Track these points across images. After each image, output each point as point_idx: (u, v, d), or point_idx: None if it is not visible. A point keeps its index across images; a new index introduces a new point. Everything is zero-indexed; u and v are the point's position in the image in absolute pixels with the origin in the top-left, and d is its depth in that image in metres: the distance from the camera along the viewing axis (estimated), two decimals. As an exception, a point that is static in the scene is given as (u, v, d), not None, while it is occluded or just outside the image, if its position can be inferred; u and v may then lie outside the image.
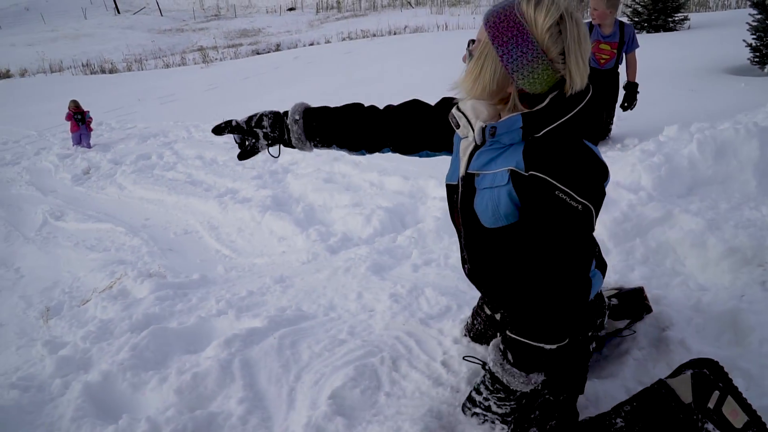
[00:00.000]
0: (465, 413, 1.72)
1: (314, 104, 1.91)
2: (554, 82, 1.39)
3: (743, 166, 3.13)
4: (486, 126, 1.47)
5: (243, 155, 1.90)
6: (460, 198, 1.62)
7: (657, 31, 12.25)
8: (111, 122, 10.09)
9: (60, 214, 5.83)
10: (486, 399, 1.64)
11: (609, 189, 3.00)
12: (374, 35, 21.17)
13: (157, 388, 2.20)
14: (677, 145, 3.44)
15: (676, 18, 12.44)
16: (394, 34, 20.91)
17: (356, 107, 1.87)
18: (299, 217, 4.75)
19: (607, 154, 4.48)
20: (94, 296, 3.62)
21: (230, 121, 1.87)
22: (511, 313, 1.54)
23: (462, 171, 1.60)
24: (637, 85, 4.73)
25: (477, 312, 2.10)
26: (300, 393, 2.07)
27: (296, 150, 1.90)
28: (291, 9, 35.60)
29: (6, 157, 8.47)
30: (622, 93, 4.81)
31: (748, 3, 8.70)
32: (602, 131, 4.89)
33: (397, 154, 1.93)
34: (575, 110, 1.41)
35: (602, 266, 1.76)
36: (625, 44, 4.60)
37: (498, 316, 1.85)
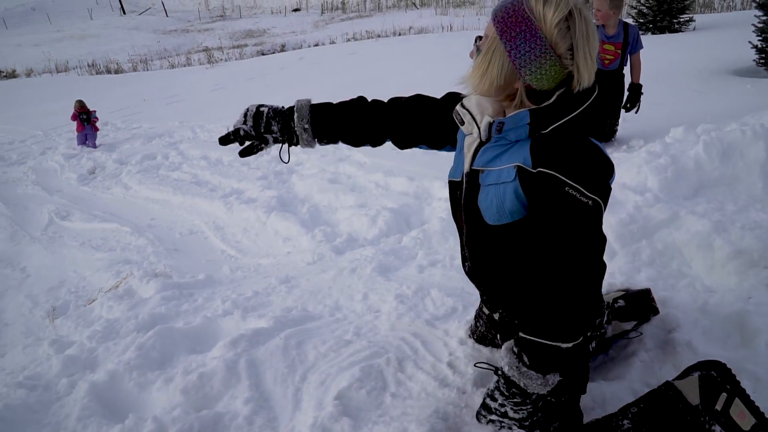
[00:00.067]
0: (480, 421, 1.67)
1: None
2: (561, 79, 1.40)
3: (750, 168, 3.12)
4: (494, 121, 1.46)
5: (245, 153, 1.88)
6: (464, 194, 1.61)
7: (662, 32, 12.22)
8: (116, 122, 10.12)
9: (66, 213, 5.85)
10: (502, 405, 1.59)
11: (615, 190, 3.01)
12: (379, 36, 21.18)
13: (163, 387, 2.20)
14: (683, 146, 3.43)
15: (681, 19, 12.41)
16: (399, 35, 20.92)
17: (360, 103, 1.86)
18: (304, 217, 4.76)
19: (613, 155, 4.46)
20: (100, 296, 3.63)
21: (238, 131, 1.82)
22: (522, 314, 1.52)
23: (466, 167, 1.59)
24: (640, 86, 4.72)
25: (479, 314, 2.10)
26: (306, 393, 2.07)
27: (299, 148, 1.90)
28: (296, 10, 35.67)
29: (12, 156, 8.50)
30: (626, 95, 4.80)
31: (754, 4, 8.67)
32: (607, 133, 4.88)
33: (402, 149, 1.92)
34: (582, 107, 1.41)
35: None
36: (629, 45, 4.58)
37: (496, 316, 1.82)
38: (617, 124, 4.94)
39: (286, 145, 1.88)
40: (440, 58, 11.22)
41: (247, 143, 1.86)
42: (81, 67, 22.66)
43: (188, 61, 21.35)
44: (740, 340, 2.01)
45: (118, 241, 5.00)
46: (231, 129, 1.84)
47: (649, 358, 1.98)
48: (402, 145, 1.89)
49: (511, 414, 1.58)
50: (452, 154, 1.79)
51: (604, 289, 2.06)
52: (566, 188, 1.35)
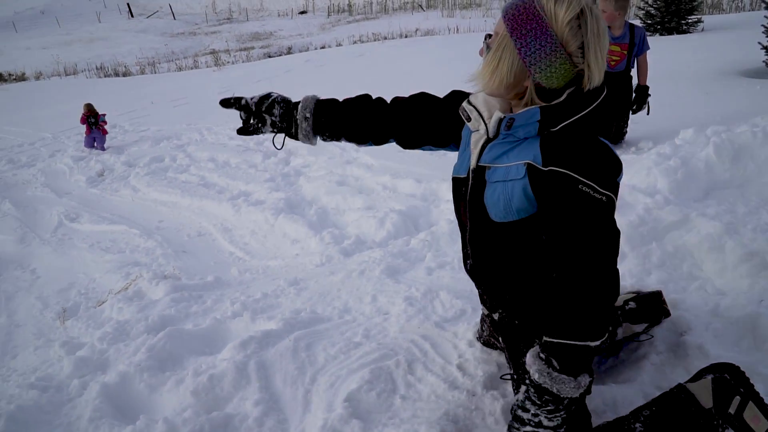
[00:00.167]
0: None
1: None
2: (571, 77, 1.40)
3: (761, 170, 3.11)
4: (504, 117, 1.46)
5: (243, 131, 1.89)
6: (470, 190, 1.60)
7: (670, 33, 12.16)
8: (124, 125, 10.17)
9: (75, 215, 5.88)
10: (535, 415, 1.51)
11: (625, 192, 3.01)
12: (385, 38, 21.17)
13: (173, 389, 2.21)
14: (693, 148, 3.42)
15: (690, 20, 12.34)
16: (406, 37, 20.91)
17: (365, 100, 1.86)
18: (312, 219, 4.76)
19: (622, 157, 4.38)
20: (110, 297, 3.65)
21: (240, 99, 1.87)
22: (544, 317, 1.48)
23: (473, 163, 1.59)
24: (647, 88, 4.70)
25: (484, 318, 2.10)
26: (315, 395, 2.08)
27: (300, 142, 1.90)
28: (302, 12, 35.73)
29: (21, 159, 8.56)
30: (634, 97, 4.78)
31: (763, 5, 8.62)
32: (616, 135, 4.86)
33: (406, 150, 1.92)
34: (592, 106, 1.41)
35: None
36: (635, 46, 4.56)
37: (496, 316, 1.80)
38: (626, 126, 4.91)
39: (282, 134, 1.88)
40: (447, 60, 11.22)
41: (247, 122, 1.87)
42: (89, 70, 22.78)
43: (195, 64, 21.42)
44: (753, 343, 2.00)
45: (127, 243, 5.02)
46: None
47: (660, 361, 1.97)
48: (406, 144, 1.88)
49: (545, 423, 1.51)
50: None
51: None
52: (579, 186, 1.35)
